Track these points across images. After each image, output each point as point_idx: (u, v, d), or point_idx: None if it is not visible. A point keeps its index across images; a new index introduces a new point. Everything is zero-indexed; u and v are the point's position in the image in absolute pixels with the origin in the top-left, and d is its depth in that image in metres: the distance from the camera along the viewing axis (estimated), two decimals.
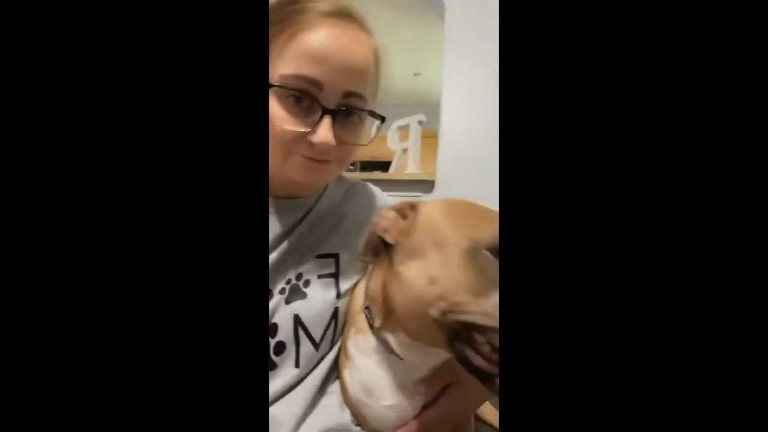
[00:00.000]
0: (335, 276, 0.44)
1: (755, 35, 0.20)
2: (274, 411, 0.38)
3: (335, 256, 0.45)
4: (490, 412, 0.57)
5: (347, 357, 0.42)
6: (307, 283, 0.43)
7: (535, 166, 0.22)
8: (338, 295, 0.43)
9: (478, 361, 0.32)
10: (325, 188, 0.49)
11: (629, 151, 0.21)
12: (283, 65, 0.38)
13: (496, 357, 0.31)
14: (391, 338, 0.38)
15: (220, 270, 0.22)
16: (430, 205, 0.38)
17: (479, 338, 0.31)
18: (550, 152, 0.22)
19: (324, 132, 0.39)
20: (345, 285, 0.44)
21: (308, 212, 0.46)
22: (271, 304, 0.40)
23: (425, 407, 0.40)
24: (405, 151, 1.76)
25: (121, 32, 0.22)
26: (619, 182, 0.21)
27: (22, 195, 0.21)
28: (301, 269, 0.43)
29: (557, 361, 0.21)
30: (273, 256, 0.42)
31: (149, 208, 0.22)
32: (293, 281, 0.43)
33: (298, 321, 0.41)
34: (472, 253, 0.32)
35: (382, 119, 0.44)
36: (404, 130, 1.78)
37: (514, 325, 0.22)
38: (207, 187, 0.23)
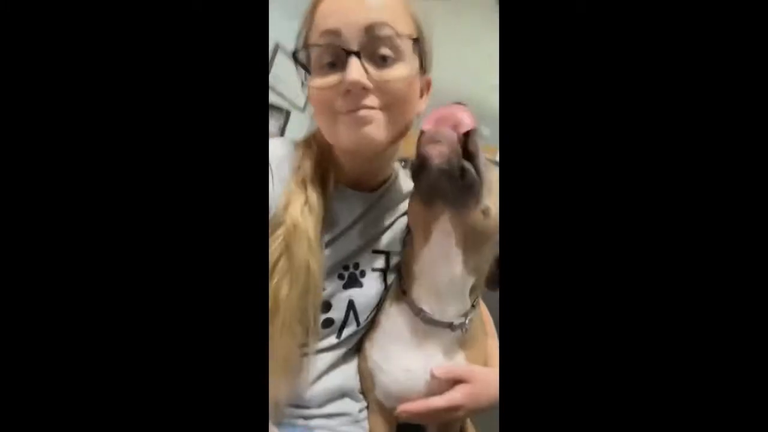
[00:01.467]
0: (384, 271, 0.49)
1: (755, 35, 0.20)
2: (305, 360, 0.45)
3: (386, 254, 0.50)
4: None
5: (375, 326, 0.48)
6: (362, 274, 0.48)
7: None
8: (386, 288, 0.49)
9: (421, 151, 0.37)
10: (390, 184, 0.52)
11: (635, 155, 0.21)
12: (311, 37, 0.41)
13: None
14: (414, 290, 0.43)
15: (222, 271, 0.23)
16: None
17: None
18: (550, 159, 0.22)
19: (353, 70, 0.38)
20: (390, 279, 0.49)
21: (371, 207, 0.49)
22: (329, 284, 0.45)
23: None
24: None
25: (122, 28, 0.22)
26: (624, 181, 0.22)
27: (22, 195, 0.21)
28: (358, 260, 0.48)
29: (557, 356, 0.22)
30: (335, 244, 0.46)
31: (152, 202, 0.23)
32: (351, 269, 0.47)
33: (351, 305, 0.47)
34: None
35: (415, 40, 0.41)
36: None
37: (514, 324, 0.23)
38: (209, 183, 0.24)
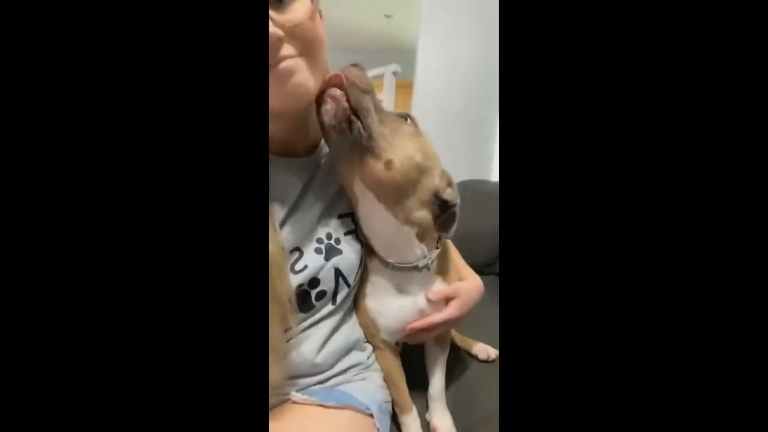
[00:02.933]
0: (355, 232, 0.49)
1: (755, 35, 0.19)
2: (307, 332, 0.46)
3: (351, 215, 0.49)
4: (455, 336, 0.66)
5: (364, 282, 0.51)
6: (338, 241, 0.47)
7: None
8: (362, 245, 0.50)
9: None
10: (324, 144, 0.49)
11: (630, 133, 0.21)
12: None
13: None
14: (374, 248, 0.47)
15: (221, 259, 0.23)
16: None
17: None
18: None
19: None
20: (363, 236, 0.50)
21: (316, 172, 0.47)
22: (311, 261, 0.44)
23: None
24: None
25: (120, 21, 0.22)
26: (619, 173, 0.21)
27: (22, 195, 0.21)
28: (328, 229, 0.47)
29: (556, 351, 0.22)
30: (294, 218, 0.44)
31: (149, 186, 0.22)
32: (326, 241, 0.46)
33: (338, 273, 0.47)
34: None
35: None
36: (378, 80, 1.73)
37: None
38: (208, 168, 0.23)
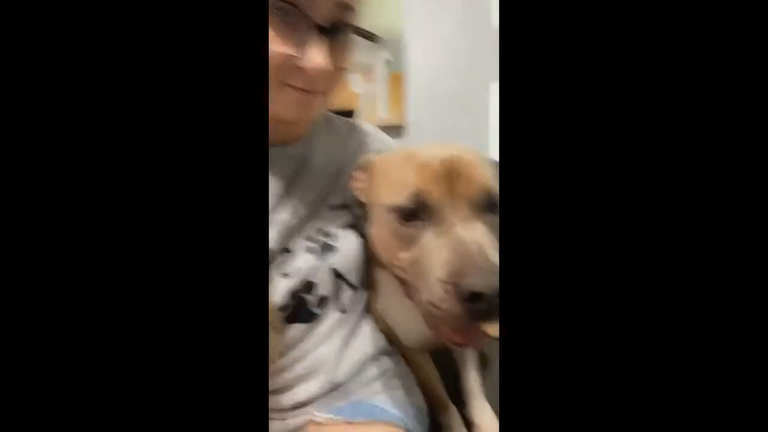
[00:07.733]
0: (353, 225, 0.44)
1: (755, 35, 0.19)
2: (319, 351, 0.42)
3: (347, 207, 0.45)
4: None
5: (375, 285, 0.46)
6: (333, 237, 0.42)
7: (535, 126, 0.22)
8: (364, 239, 0.44)
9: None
10: (316, 133, 0.46)
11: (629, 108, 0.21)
12: None
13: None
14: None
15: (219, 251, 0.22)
16: (376, 160, 0.41)
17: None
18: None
19: (317, 55, 0.34)
20: (365, 230, 0.45)
21: (304, 161, 0.44)
22: (302, 263, 0.40)
23: None
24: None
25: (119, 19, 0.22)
26: (619, 152, 0.21)
27: (21, 195, 0.21)
28: (319, 224, 0.42)
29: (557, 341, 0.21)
30: (281, 213, 0.40)
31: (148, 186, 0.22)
32: (317, 237, 0.42)
33: (337, 274, 0.42)
34: (385, 214, 0.37)
35: (373, 37, 0.41)
36: (367, 71, 1.69)
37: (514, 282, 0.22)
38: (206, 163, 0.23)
